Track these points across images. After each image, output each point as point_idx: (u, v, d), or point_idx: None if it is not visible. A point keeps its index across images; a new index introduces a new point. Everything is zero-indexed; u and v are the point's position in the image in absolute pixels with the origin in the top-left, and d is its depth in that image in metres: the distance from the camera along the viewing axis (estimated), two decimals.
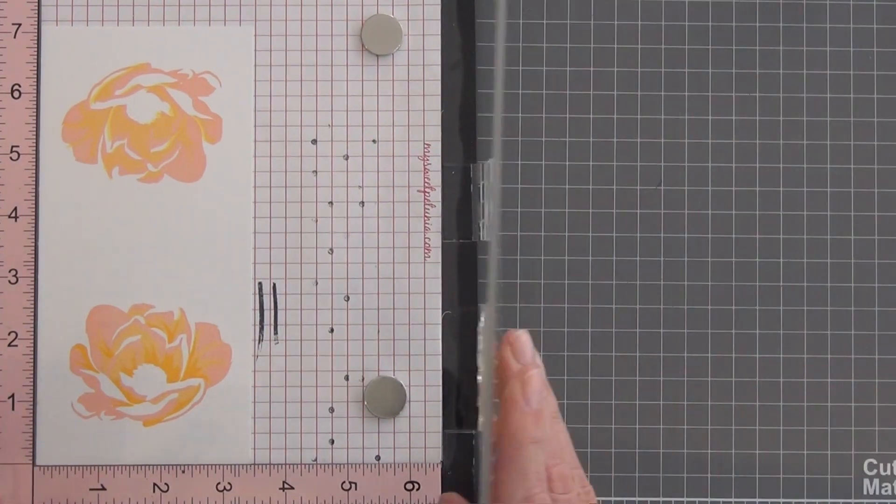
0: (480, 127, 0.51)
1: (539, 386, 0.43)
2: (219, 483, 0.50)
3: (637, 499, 0.51)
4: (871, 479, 0.51)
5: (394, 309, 0.50)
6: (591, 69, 0.52)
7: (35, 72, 0.50)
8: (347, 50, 0.51)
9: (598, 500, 0.43)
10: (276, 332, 0.50)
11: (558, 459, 0.42)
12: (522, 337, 0.45)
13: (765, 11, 0.52)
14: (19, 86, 0.50)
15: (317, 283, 0.50)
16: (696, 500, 0.51)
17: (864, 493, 0.51)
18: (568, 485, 0.42)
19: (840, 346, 0.51)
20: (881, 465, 0.51)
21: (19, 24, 0.50)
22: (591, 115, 0.52)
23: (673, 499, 0.51)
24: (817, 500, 0.51)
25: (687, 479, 0.51)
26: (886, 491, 0.51)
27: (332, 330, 0.50)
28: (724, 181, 0.52)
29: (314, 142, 0.50)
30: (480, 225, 0.50)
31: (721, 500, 0.51)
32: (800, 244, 0.52)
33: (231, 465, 0.50)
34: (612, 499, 0.51)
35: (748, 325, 0.51)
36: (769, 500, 0.51)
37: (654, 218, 0.52)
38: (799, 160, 0.52)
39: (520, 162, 0.52)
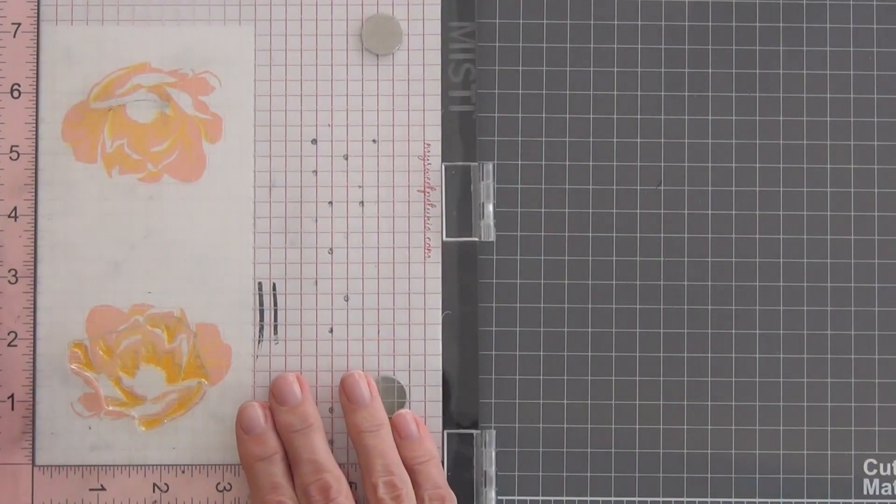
0: (480, 127, 0.51)
1: (251, 413, 0.48)
2: (219, 483, 0.50)
3: (637, 499, 0.51)
4: (871, 479, 0.51)
5: (394, 309, 0.50)
6: (591, 69, 0.52)
7: (35, 72, 0.50)
8: (347, 49, 0.50)
9: (588, 500, 0.43)
10: (275, 332, 0.50)
11: (318, 475, 0.47)
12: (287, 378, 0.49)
13: (765, 11, 0.52)
14: (19, 85, 0.50)
15: (317, 283, 0.50)
16: (696, 500, 0.51)
17: (864, 493, 0.51)
18: (329, 494, 0.46)
19: (840, 346, 0.51)
20: (881, 465, 0.51)
21: (19, 24, 0.50)
22: (591, 116, 0.52)
23: (673, 499, 0.51)
24: (817, 500, 0.51)
25: (687, 479, 0.51)
26: (886, 491, 0.51)
27: (331, 330, 0.50)
28: (724, 181, 0.52)
29: (314, 141, 0.50)
30: (480, 225, 0.50)
31: (721, 500, 0.51)
32: (800, 244, 0.52)
33: (231, 465, 0.50)
34: (612, 499, 0.51)
35: (748, 325, 0.51)
36: (769, 501, 0.51)
37: (654, 218, 0.52)
38: (799, 160, 0.52)
39: (520, 162, 0.51)
